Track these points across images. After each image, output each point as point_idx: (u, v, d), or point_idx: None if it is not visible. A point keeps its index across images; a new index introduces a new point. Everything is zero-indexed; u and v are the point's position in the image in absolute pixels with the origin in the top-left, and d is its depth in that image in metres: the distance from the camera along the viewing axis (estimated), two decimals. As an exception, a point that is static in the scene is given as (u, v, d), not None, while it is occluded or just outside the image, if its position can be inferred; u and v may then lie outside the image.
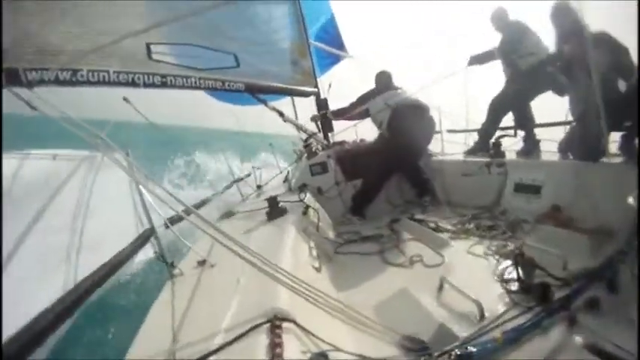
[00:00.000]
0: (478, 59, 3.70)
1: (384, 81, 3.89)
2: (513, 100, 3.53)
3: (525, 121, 3.50)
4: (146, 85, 2.42)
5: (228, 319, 1.25)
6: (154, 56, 2.61)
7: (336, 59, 5.58)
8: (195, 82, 2.76)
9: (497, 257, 2.12)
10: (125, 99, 2.93)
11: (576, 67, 2.55)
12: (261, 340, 1.06)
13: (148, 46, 2.59)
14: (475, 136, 3.98)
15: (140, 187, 1.93)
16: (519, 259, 1.81)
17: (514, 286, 1.73)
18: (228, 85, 3.05)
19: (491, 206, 3.11)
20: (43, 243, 1.45)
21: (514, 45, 3.40)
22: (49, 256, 1.49)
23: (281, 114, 3.91)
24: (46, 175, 1.61)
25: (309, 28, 4.56)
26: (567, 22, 2.69)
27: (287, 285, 1.27)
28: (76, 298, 1.33)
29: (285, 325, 1.14)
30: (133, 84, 2.36)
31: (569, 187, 2.56)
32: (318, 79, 4.33)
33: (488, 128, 3.78)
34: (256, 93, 3.43)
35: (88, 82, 2.15)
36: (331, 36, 5.40)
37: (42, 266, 1.44)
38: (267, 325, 1.12)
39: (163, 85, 2.53)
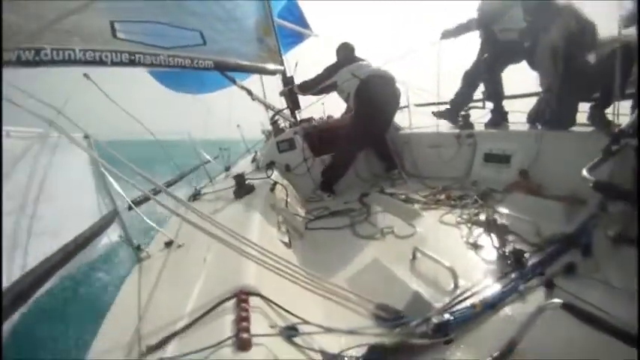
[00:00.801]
0: (452, 32, 3.63)
1: (346, 53, 3.84)
2: (486, 71, 3.49)
3: (496, 93, 3.48)
4: (114, 64, 2.32)
5: (194, 298, 1.23)
6: (119, 35, 2.52)
7: (299, 38, 5.58)
8: (165, 61, 2.68)
9: (469, 225, 2.12)
10: (86, 75, 2.66)
11: (542, 38, 2.63)
12: (227, 316, 1.03)
13: (112, 24, 2.49)
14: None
15: (101, 167, 1.84)
16: (492, 226, 1.85)
17: (488, 254, 1.75)
18: (197, 63, 2.96)
19: (462, 177, 3.14)
20: None
21: (496, 17, 3.34)
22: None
23: (249, 92, 3.89)
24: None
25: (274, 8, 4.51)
26: None
27: (254, 258, 1.23)
28: (32, 282, 1.23)
29: (252, 299, 1.11)
30: (101, 62, 2.26)
31: (539, 156, 2.59)
32: (283, 58, 4.29)
33: (460, 97, 3.79)
34: (225, 71, 3.37)
35: (53, 62, 2.02)
36: (295, 16, 5.40)
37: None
38: (234, 300, 1.10)
39: (131, 63, 2.44)
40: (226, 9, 3.63)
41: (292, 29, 5.22)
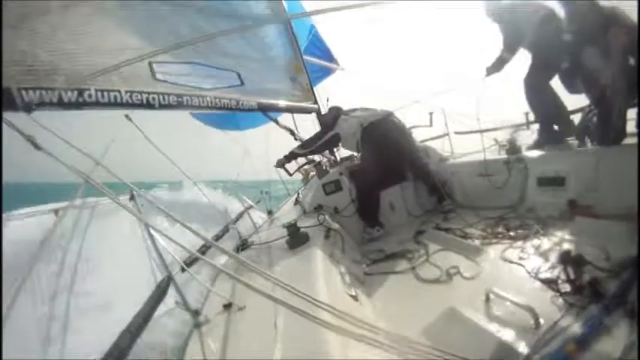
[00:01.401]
0: (495, 67, 3.36)
1: (336, 112, 3.78)
2: (530, 87, 3.14)
3: (543, 109, 3.19)
4: (162, 106, 2.16)
5: None
6: (158, 76, 2.35)
7: (326, 72, 5.55)
8: (211, 102, 2.53)
9: (535, 259, 2.00)
10: (127, 116, 2.66)
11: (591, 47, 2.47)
12: None
13: (150, 65, 2.33)
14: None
15: (151, 230, 1.72)
16: (567, 258, 1.71)
17: (561, 287, 1.64)
18: (242, 105, 2.85)
19: (517, 204, 2.97)
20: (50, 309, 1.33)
21: (522, 38, 3.09)
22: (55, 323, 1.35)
23: (292, 132, 3.85)
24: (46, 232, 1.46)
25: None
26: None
27: (332, 327, 1.09)
28: None
29: None
30: (148, 105, 2.09)
31: (594, 174, 2.44)
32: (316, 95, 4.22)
33: (549, 112, 3.21)
34: (266, 111, 3.21)
35: (98, 104, 1.85)
36: (321, 50, 5.39)
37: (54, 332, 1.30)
38: None
39: (179, 105, 2.28)
40: (258, 49, 3.58)
41: (319, 64, 5.16)
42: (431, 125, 4.16)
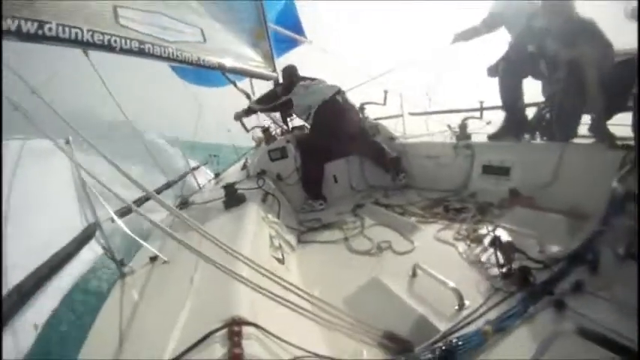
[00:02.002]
0: (463, 36, 3.32)
1: (291, 73, 3.93)
2: (505, 76, 3.04)
3: (513, 101, 3.08)
4: (123, 50, 2.12)
5: (181, 324, 1.14)
6: (121, 21, 2.30)
7: (293, 44, 5.50)
8: (173, 54, 2.50)
9: (468, 242, 2.05)
10: (84, 52, 2.43)
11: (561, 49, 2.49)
12: (218, 349, 0.92)
13: (115, 8, 2.28)
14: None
15: (82, 176, 1.73)
16: (498, 243, 1.77)
17: (491, 272, 1.68)
18: (203, 61, 2.81)
19: (460, 189, 3.06)
20: None
21: (505, 19, 3.06)
22: None
23: (248, 96, 3.84)
24: None
25: (268, 12, 4.43)
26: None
27: (247, 280, 1.10)
28: (11, 303, 1.14)
29: (245, 329, 1.00)
30: (109, 47, 2.05)
31: (539, 168, 2.51)
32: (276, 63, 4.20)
33: (513, 101, 3.10)
34: (227, 72, 3.24)
35: (57, 39, 1.80)
36: (291, 21, 5.34)
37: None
38: (225, 330, 0.98)
39: (141, 52, 2.25)
40: (223, 9, 3.54)
41: (286, 34, 5.10)
42: (384, 104, 4.24)
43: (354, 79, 4.62)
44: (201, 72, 4.53)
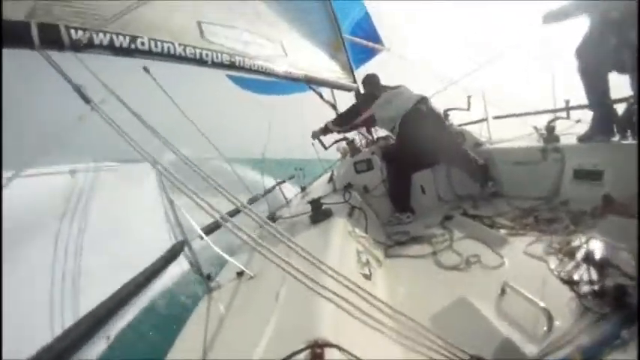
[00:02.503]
0: (555, 16, 2.92)
1: (373, 84, 3.71)
2: (590, 70, 2.70)
3: (602, 97, 2.76)
4: (214, 64, 2.12)
5: (264, 342, 1.17)
6: (206, 36, 2.27)
7: (371, 53, 5.35)
8: (262, 67, 2.49)
9: (560, 257, 1.88)
10: (145, 69, 2.59)
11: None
12: None
13: (199, 24, 2.26)
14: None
15: (170, 195, 1.79)
16: (590, 257, 1.62)
17: (584, 290, 1.51)
18: (290, 74, 2.83)
19: (550, 196, 2.83)
20: (67, 265, 1.33)
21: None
22: (73, 279, 1.34)
23: (334, 106, 3.81)
24: (65, 192, 1.45)
25: (344, 24, 4.47)
26: None
27: (332, 297, 1.09)
28: (104, 314, 1.22)
29: (328, 351, 0.99)
30: (201, 61, 2.04)
31: (634, 171, 2.24)
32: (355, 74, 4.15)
33: (600, 99, 2.84)
34: (312, 84, 3.10)
35: (150, 53, 1.79)
36: (367, 32, 5.23)
37: (67, 288, 1.30)
38: (307, 352, 0.98)
39: (231, 65, 2.24)
40: (302, 23, 3.56)
41: (362, 44, 5.00)
42: (468, 109, 4.00)
43: (434, 83, 4.43)
44: (266, 82, 4.46)
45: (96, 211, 1.49)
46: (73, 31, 1.52)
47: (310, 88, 3.22)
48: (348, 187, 3.26)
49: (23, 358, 0.95)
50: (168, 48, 1.80)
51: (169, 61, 1.86)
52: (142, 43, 1.70)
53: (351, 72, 4.05)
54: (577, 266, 1.72)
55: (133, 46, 1.67)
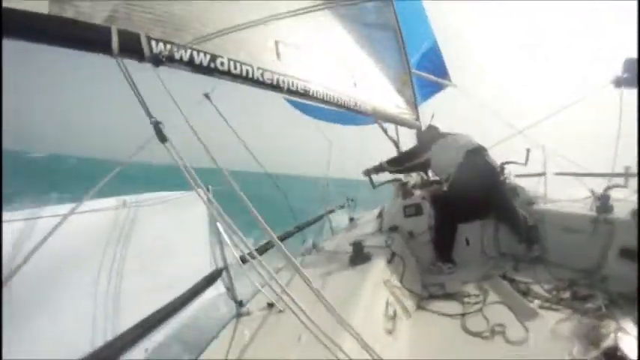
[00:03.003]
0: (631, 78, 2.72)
1: (432, 132, 3.68)
2: None
3: None
4: (289, 92, 2.06)
5: None
6: (282, 58, 2.20)
7: (437, 88, 5.24)
8: (334, 98, 2.43)
9: (585, 342, 1.77)
10: (207, 96, 2.72)
11: None
12: None
13: (276, 44, 2.20)
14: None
15: (217, 224, 1.87)
16: (614, 356, 1.53)
17: None
18: (359, 107, 2.76)
19: (592, 271, 2.65)
20: (116, 286, 1.48)
21: None
22: (120, 298, 1.49)
23: (396, 144, 3.84)
24: (116, 222, 1.56)
25: (412, 56, 4.38)
26: None
27: (346, 355, 1.17)
28: (135, 335, 1.36)
29: None
30: (277, 87, 1.97)
31: None
32: (419, 109, 4.09)
33: None
34: (379, 119, 2.99)
35: (229, 74, 1.72)
36: (435, 64, 5.10)
37: (113, 307, 1.45)
38: None
39: (305, 94, 2.18)
40: (372, 54, 3.48)
41: (429, 79, 4.89)
42: (525, 164, 3.78)
43: (499, 129, 4.28)
44: (333, 111, 4.36)
45: (145, 237, 1.62)
46: (154, 43, 1.44)
47: (377, 122, 3.11)
48: (393, 229, 3.25)
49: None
50: (247, 71, 1.74)
51: (246, 84, 1.81)
52: (222, 63, 1.65)
53: (415, 108, 3.96)
54: (600, 358, 1.63)
55: (212, 65, 1.62)
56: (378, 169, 3.78)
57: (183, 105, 1.34)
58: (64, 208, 1.29)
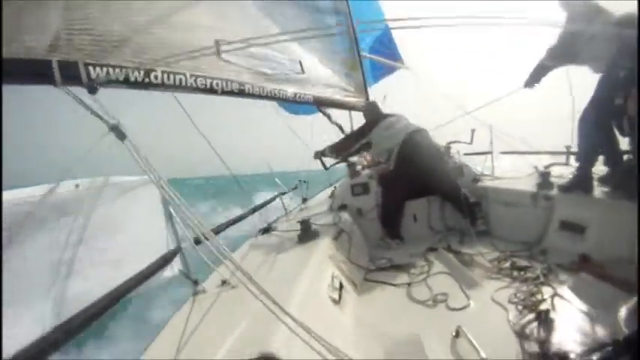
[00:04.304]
0: (533, 79, 3.07)
1: (373, 111, 3.80)
2: (590, 120, 2.66)
3: (591, 151, 2.77)
4: (224, 93, 2.20)
5: (224, 350, 1.29)
6: (223, 55, 2.35)
7: (390, 70, 5.39)
8: (270, 93, 2.58)
9: (521, 307, 1.89)
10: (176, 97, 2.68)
11: None
12: None
13: (217, 42, 2.32)
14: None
15: (170, 207, 1.93)
16: (544, 317, 1.62)
17: (531, 347, 1.53)
18: (299, 97, 2.90)
19: (533, 243, 2.81)
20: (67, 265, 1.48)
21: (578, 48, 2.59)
22: (70, 269, 1.49)
23: (340, 127, 3.97)
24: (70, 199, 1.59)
25: (363, 40, 4.51)
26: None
27: (287, 325, 1.24)
28: (97, 308, 1.38)
29: None
30: (211, 90, 2.12)
31: (619, 233, 2.21)
32: (369, 91, 4.24)
33: (588, 153, 2.83)
34: (321, 106, 3.17)
35: (163, 85, 1.89)
36: (386, 48, 5.20)
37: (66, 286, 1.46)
38: None
39: (240, 93, 2.33)
40: (320, 41, 3.65)
41: (381, 61, 5.01)
42: (471, 142, 4.04)
43: (448, 110, 4.45)
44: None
45: (99, 217, 1.64)
46: (91, 69, 1.62)
47: (319, 110, 3.28)
48: (342, 207, 3.40)
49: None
50: (180, 80, 1.90)
51: (183, 92, 1.98)
52: (156, 77, 1.81)
53: (365, 91, 4.10)
54: (532, 321, 1.72)
55: (147, 79, 1.78)
56: (324, 152, 3.91)
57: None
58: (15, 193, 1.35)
